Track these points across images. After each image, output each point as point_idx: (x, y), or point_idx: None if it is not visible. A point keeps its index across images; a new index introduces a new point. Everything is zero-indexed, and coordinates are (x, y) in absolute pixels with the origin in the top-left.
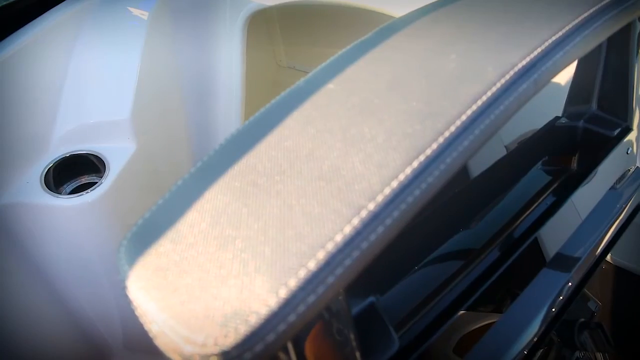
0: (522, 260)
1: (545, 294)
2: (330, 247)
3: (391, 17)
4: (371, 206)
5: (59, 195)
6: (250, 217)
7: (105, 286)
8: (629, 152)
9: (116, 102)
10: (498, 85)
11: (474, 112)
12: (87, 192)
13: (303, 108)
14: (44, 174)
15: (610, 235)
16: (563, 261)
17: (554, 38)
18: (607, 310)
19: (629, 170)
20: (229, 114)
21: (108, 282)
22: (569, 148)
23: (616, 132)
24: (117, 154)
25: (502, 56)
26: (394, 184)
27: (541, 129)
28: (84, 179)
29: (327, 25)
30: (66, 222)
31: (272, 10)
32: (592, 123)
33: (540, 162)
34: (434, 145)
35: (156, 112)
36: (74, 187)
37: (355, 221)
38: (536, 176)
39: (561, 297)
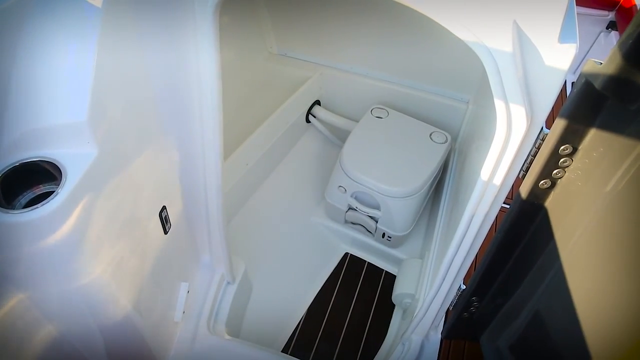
0: None
1: None
2: None
3: None
4: None
5: (10, 211)
6: None
7: (80, 304)
8: None
9: (70, 102)
10: None
11: None
12: (42, 205)
13: None
14: None
15: None
16: None
17: None
18: None
19: None
20: (205, 106)
21: (81, 298)
22: None
23: None
24: (75, 160)
25: None
26: None
27: None
28: (40, 189)
29: (318, 6)
30: (23, 240)
31: None
32: None
33: None
34: None
35: (121, 112)
36: (30, 198)
37: None
38: None
39: None
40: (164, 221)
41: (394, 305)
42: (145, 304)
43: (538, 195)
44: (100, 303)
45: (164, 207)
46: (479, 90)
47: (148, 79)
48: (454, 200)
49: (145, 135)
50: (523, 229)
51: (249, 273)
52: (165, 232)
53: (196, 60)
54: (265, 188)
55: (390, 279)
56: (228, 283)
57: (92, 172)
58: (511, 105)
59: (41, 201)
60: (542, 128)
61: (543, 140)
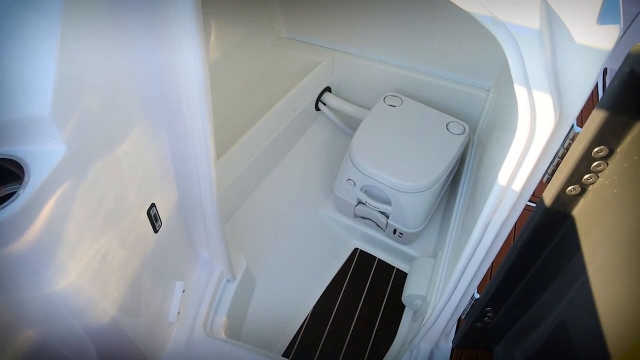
0: None
1: None
2: None
3: None
4: None
5: None
6: None
7: (59, 308)
8: None
9: (30, 93)
10: None
11: None
12: (2, 208)
13: None
14: None
15: None
16: None
17: None
18: None
19: None
20: (191, 92)
21: (60, 302)
22: None
23: None
24: (41, 158)
25: None
26: None
27: None
28: (4, 191)
29: None
30: None
31: None
32: None
33: None
34: None
35: (97, 101)
36: None
37: None
38: None
39: None
40: (153, 219)
41: (404, 304)
42: (134, 304)
43: (565, 203)
44: (81, 306)
45: (152, 205)
46: (500, 76)
47: (126, 63)
48: (470, 196)
49: (126, 126)
50: (545, 240)
51: (253, 269)
52: (155, 231)
53: (179, 45)
54: (271, 180)
55: (402, 276)
56: (228, 281)
57: (61, 170)
58: (536, 98)
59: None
60: (572, 125)
61: (573, 139)
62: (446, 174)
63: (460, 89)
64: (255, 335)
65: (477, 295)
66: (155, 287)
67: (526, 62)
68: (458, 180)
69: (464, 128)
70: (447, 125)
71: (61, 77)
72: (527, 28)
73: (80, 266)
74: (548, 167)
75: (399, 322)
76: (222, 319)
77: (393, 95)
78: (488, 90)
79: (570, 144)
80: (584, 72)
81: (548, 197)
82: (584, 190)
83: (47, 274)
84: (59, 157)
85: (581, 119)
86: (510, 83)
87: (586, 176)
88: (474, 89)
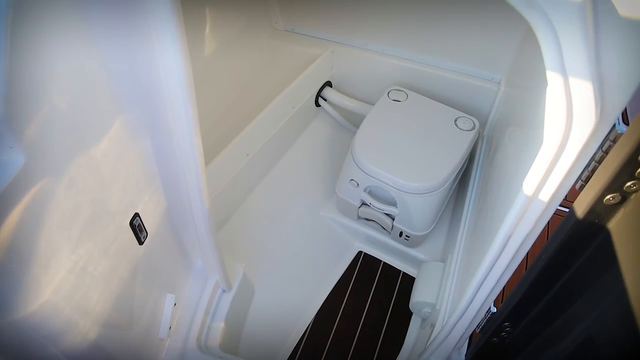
0: None
1: None
2: None
3: None
4: None
5: None
6: None
7: (31, 333)
8: None
9: None
10: None
11: None
12: None
13: None
14: None
15: None
16: None
17: None
18: None
19: None
20: (172, 87)
21: (32, 326)
22: None
23: None
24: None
25: None
26: None
27: None
28: None
29: None
30: None
31: None
32: None
33: None
34: None
35: (65, 102)
36: None
37: None
38: None
39: None
40: (137, 230)
41: (412, 311)
42: (120, 320)
43: (600, 214)
44: (57, 328)
45: (136, 215)
46: (512, 68)
47: (98, 54)
48: (482, 197)
49: (104, 124)
50: (574, 256)
51: (251, 276)
52: (140, 243)
53: (156, 32)
54: (269, 181)
55: (408, 280)
56: (224, 291)
57: (22, 182)
58: (573, 88)
59: None
60: (614, 125)
61: (614, 141)
62: (455, 173)
63: (469, 82)
64: (253, 347)
65: (494, 309)
66: (143, 300)
67: (562, 44)
68: (467, 179)
69: (474, 124)
70: (455, 120)
71: (15, 72)
72: (565, 1)
73: (56, 281)
74: (582, 172)
75: (406, 331)
76: (217, 333)
77: (397, 90)
78: (499, 83)
79: (610, 146)
80: (635, 56)
81: (581, 207)
82: (624, 198)
83: (13, 298)
84: (17, 168)
85: (626, 116)
86: (526, 74)
87: (629, 183)
88: (484, 81)
